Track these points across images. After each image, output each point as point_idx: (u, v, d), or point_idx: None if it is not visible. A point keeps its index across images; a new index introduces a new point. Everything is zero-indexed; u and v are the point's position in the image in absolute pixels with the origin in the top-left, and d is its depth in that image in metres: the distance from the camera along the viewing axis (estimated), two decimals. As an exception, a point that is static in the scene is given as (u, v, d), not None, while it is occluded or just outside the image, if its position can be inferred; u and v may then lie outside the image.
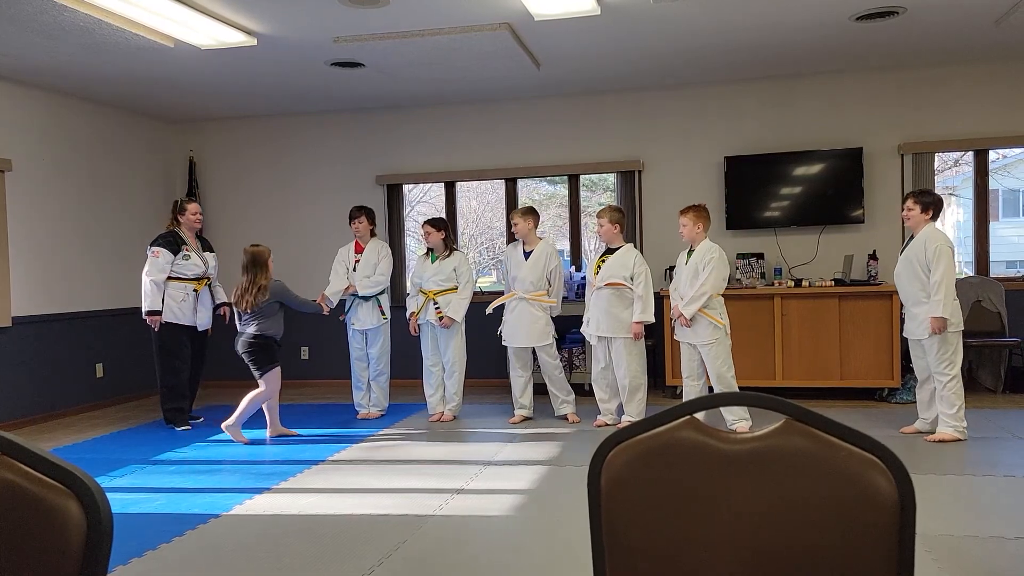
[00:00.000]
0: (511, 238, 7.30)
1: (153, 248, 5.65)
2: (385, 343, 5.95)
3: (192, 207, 5.82)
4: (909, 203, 4.74)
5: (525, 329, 5.48)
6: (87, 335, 6.64)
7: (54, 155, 6.43)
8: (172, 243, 5.69)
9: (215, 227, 7.78)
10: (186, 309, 5.72)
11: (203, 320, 5.86)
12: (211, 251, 6.01)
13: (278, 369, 5.29)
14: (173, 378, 5.74)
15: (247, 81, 6.29)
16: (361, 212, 5.93)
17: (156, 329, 5.64)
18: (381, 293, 5.89)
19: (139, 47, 5.19)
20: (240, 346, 5.25)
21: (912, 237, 4.78)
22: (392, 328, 6.88)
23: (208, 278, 5.87)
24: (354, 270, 5.87)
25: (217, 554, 3.23)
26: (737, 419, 4.96)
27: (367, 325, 5.87)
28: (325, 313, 5.80)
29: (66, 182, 6.54)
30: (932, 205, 4.68)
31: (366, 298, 5.85)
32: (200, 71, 5.93)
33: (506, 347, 5.66)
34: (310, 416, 6.10)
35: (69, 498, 1.02)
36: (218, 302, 5.98)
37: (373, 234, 5.98)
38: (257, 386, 5.29)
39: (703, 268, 4.90)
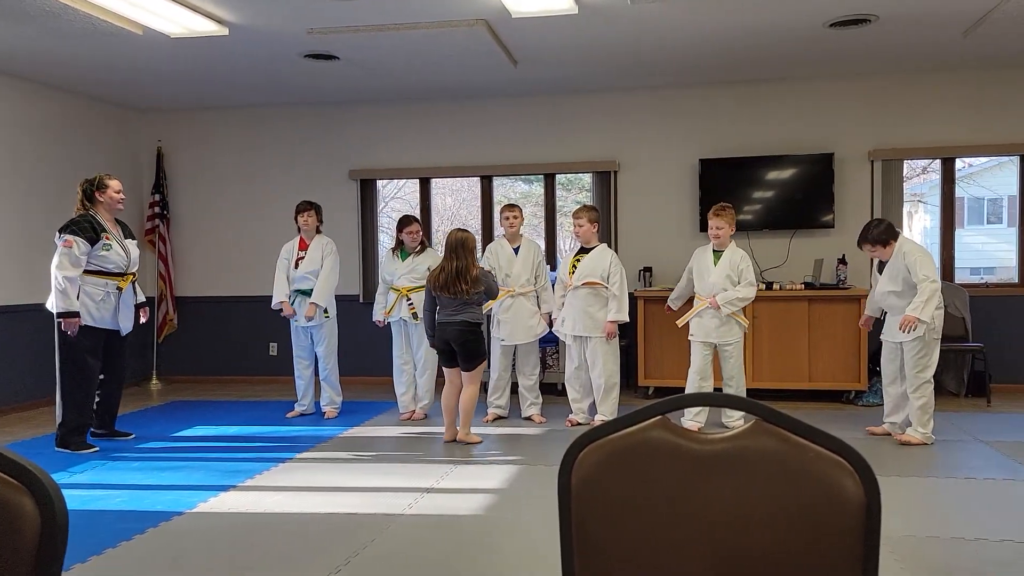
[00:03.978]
0: (487, 236, 7.30)
1: (64, 236, 4.63)
2: (332, 341, 5.83)
3: (115, 184, 4.85)
4: (867, 247, 4.78)
5: (524, 325, 5.48)
6: (47, 327, 6.48)
7: (17, 142, 6.28)
8: (89, 230, 4.69)
9: (183, 219, 7.67)
10: (105, 310, 4.78)
11: (127, 323, 4.93)
12: (132, 238, 5.05)
13: (485, 363, 5.00)
14: (79, 392, 4.78)
15: (218, 71, 6.20)
16: (311, 206, 5.78)
17: (72, 334, 4.67)
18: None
19: (107, 33, 5.09)
20: (453, 336, 4.81)
21: (884, 263, 4.84)
22: (360, 325, 6.84)
23: (133, 273, 4.97)
24: (295, 267, 5.74)
25: (180, 552, 3.18)
26: (736, 418, 5.06)
27: (311, 322, 5.74)
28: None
29: (30, 170, 6.39)
30: (886, 234, 4.72)
31: (308, 293, 5.74)
32: (169, 60, 5.83)
33: (489, 346, 5.66)
34: (278, 413, 6.03)
35: (23, 494, 0.99)
36: (139, 301, 5.05)
37: (319, 231, 5.87)
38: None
39: (741, 269, 5.02)
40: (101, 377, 5.01)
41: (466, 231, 5.01)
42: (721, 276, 5.03)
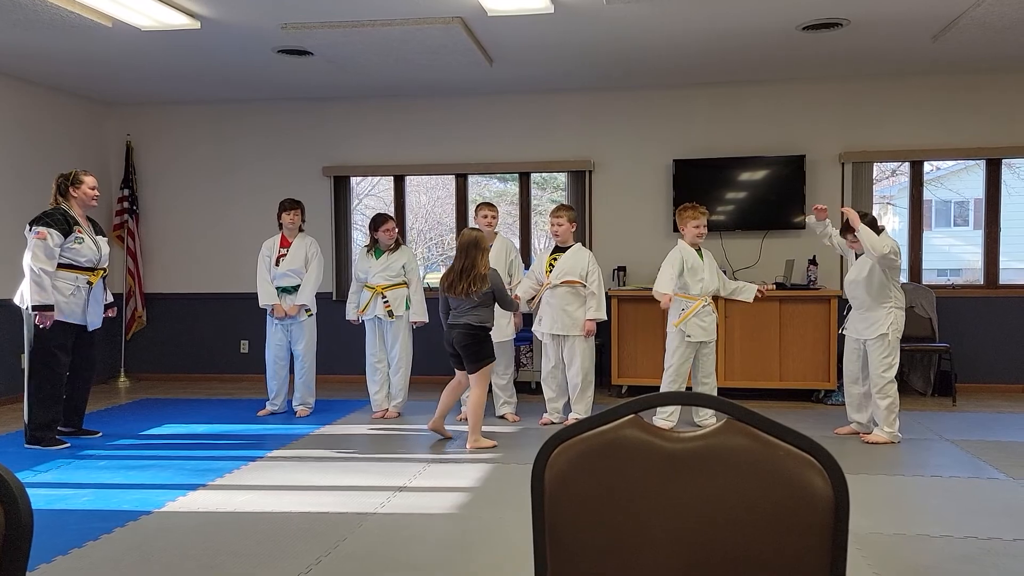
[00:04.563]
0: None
1: (37, 228, 4.61)
2: (311, 340, 5.81)
3: (89, 180, 4.83)
4: (850, 237, 4.80)
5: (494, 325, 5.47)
6: (10, 324, 6.36)
7: (-18, 135, 6.16)
8: (62, 222, 4.66)
9: (152, 215, 7.56)
10: (76, 304, 4.74)
11: (94, 318, 4.89)
12: (103, 235, 5.03)
13: (492, 364, 4.87)
14: (49, 387, 4.73)
15: (190, 65, 6.12)
16: (296, 205, 5.77)
17: (45, 327, 4.61)
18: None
19: (75, 25, 5.00)
20: (455, 338, 4.71)
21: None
22: (332, 323, 6.78)
23: (104, 269, 4.94)
24: (276, 264, 5.71)
25: (148, 552, 3.13)
26: (708, 416, 5.13)
27: (293, 319, 5.72)
28: (516, 312, 5.19)
29: (-5, 164, 6.26)
30: (871, 225, 4.73)
31: (289, 291, 5.72)
32: (140, 53, 5.74)
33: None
34: (248, 411, 5.97)
35: (-15, 494, 0.97)
36: (108, 301, 5.05)
37: (301, 229, 5.84)
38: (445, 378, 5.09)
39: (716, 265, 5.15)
40: (67, 374, 4.92)
41: (478, 230, 4.87)
42: (713, 274, 5.10)
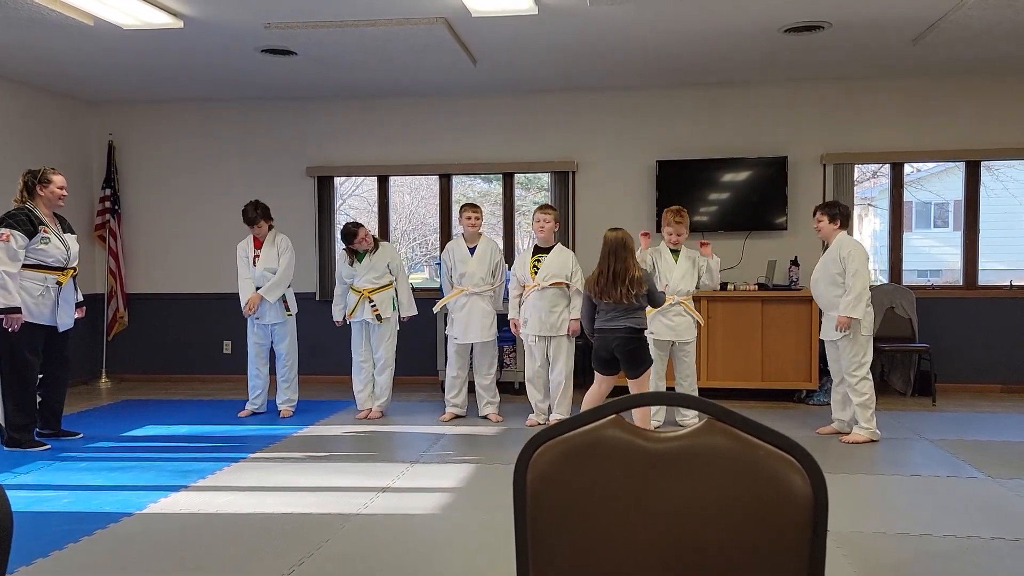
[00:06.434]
0: (445, 234, 7.28)
1: (0, 231, 4.54)
2: (293, 339, 5.80)
3: (58, 179, 4.74)
4: (818, 215, 4.98)
5: (477, 324, 5.47)
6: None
7: (-40, 133, 6.08)
8: (26, 223, 4.58)
9: (134, 214, 7.50)
10: (44, 305, 4.69)
11: (65, 319, 4.82)
12: (71, 232, 4.92)
13: (650, 369, 4.62)
14: (21, 391, 4.68)
15: (172, 64, 6.07)
16: (256, 219, 5.65)
17: (14, 330, 4.53)
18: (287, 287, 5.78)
19: (56, 24, 4.95)
20: (617, 344, 4.40)
21: (828, 246, 4.98)
22: (316, 324, 6.76)
23: (74, 268, 4.86)
24: (253, 264, 5.69)
25: (129, 554, 3.11)
26: (692, 416, 5.15)
27: (273, 319, 5.71)
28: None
29: (-27, 162, 6.19)
30: (839, 216, 4.91)
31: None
32: (122, 52, 5.69)
33: (446, 345, 5.66)
34: (231, 411, 5.93)
35: (-37, 496, 0.96)
36: (77, 300, 4.94)
37: (271, 227, 5.79)
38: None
39: (701, 265, 5.15)
40: (41, 376, 4.87)
41: (622, 229, 4.51)
42: (688, 276, 5.11)
